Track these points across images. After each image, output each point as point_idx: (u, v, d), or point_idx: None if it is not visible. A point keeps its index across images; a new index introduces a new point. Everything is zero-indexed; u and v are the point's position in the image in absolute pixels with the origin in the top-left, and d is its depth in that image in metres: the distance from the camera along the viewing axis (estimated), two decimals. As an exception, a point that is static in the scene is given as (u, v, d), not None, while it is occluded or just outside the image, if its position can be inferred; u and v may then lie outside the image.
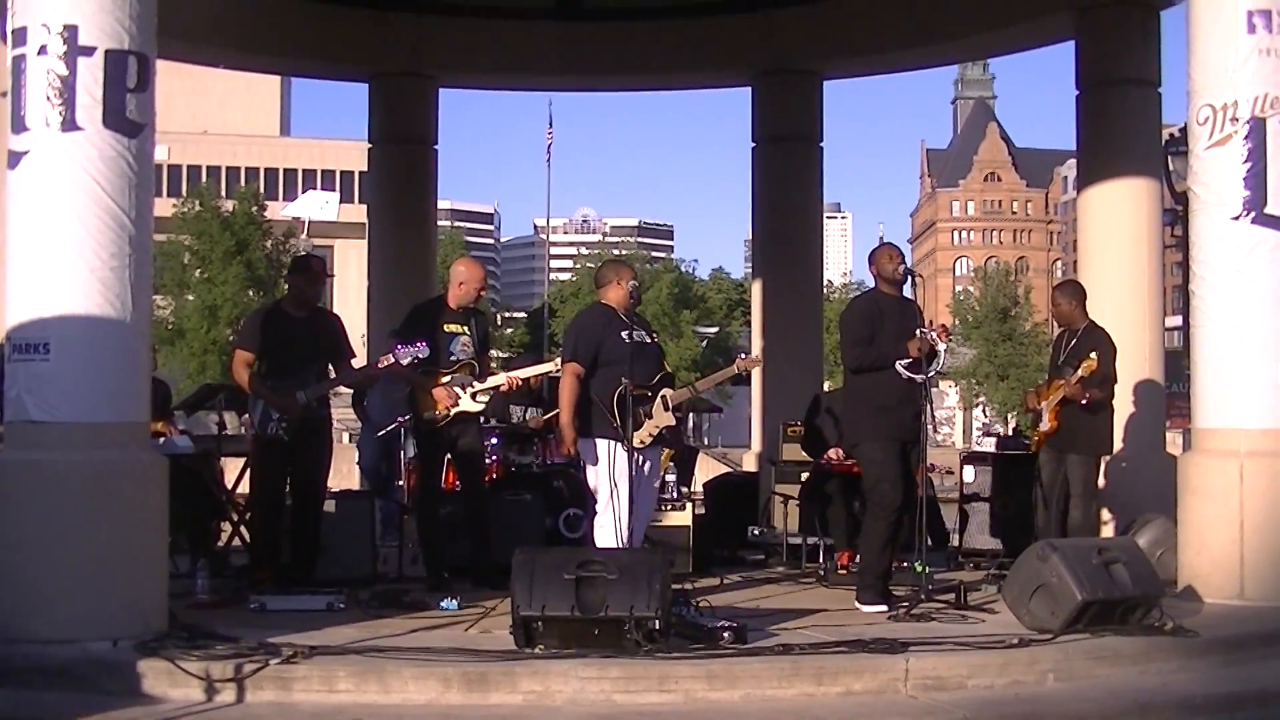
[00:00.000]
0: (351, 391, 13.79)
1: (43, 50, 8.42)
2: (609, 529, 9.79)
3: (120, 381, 8.52)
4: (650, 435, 9.95)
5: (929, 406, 10.48)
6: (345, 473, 15.27)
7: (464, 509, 11.33)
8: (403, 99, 17.65)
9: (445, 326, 11.15)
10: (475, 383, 11.04)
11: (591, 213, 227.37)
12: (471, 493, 11.42)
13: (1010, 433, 18.18)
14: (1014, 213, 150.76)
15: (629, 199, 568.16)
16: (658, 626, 8.08)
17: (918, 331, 10.35)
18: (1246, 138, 10.36)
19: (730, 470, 18.59)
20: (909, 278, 11.05)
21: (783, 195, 17.51)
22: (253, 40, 16.70)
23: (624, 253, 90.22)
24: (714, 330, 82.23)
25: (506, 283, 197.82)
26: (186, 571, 10.87)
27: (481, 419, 11.58)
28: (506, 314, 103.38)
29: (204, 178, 77.66)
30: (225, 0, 15.85)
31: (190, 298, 65.99)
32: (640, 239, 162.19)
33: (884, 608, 10.07)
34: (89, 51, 8.42)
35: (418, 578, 11.27)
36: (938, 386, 11.85)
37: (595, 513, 10.01)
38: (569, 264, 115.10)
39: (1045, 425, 11.62)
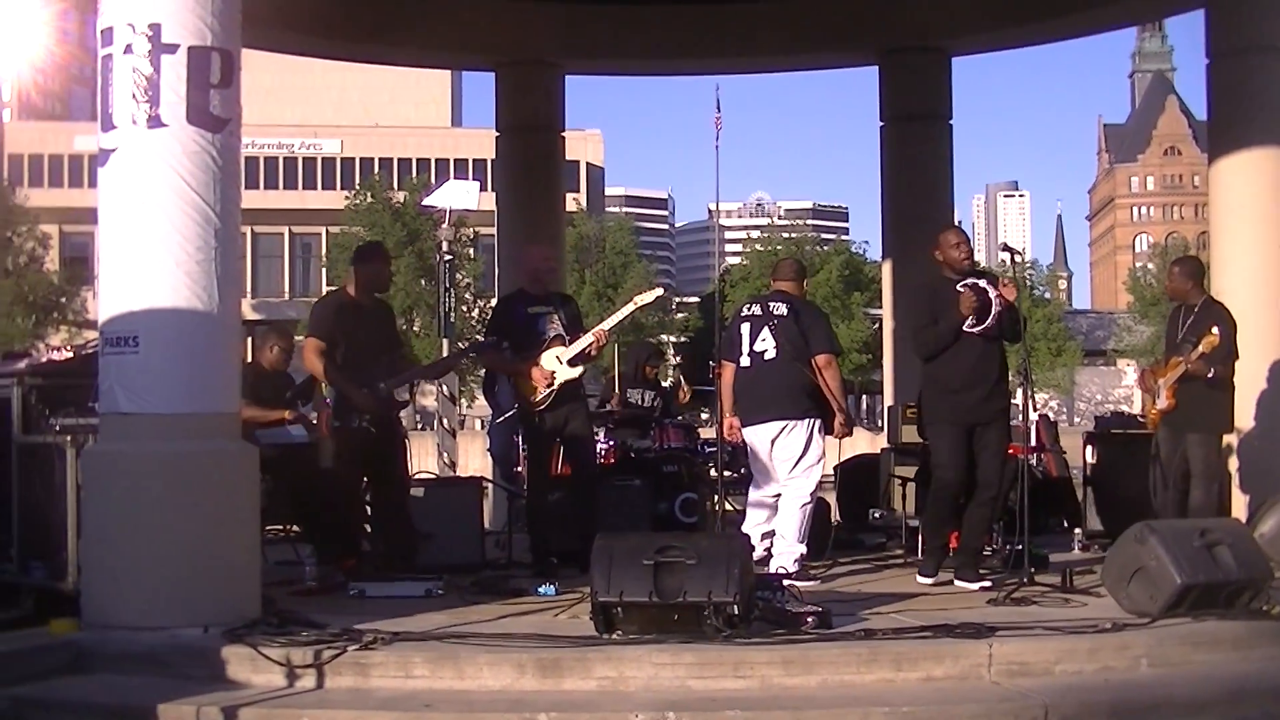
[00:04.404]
0: (483, 379, 13.90)
1: (128, 49, 8.58)
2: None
3: (207, 373, 8.65)
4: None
5: (1026, 377, 10.46)
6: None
7: (571, 494, 11.36)
8: (529, 87, 17.73)
9: (529, 309, 11.24)
10: (565, 349, 11.05)
11: (766, 196, 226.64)
12: (579, 477, 11.45)
13: (1114, 412, 17.80)
14: (1195, 187, 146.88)
15: (804, 181, 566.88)
16: (736, 612, 8.02)
17: (959, 288, 10.31)
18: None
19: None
20: (1010, 254, 10.99)
21: (912, 175, 17.29)
22: (380, 33, 16.86)
23: (795, 235, 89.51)
24: (883, 311, 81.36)
25: (681, 268, 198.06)
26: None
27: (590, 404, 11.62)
28: (679, 299, 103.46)
29: (376, 170, 78.74)
30: (349, -5, 16.04)
31: (363, 288, 66.95)
32: (815, 221, 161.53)
33: (939, 579, 10.35)
34: (172, 49, 8.56)
35: (528, 564, 11.32)
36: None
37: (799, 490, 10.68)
38: (741, 248, 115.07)
39: (1163, 403, 11.31)
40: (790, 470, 10.71)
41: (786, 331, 10.76)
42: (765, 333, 10.82)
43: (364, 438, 10.58)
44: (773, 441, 10.76)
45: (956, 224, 11.06)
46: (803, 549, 10.70)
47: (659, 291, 10.94)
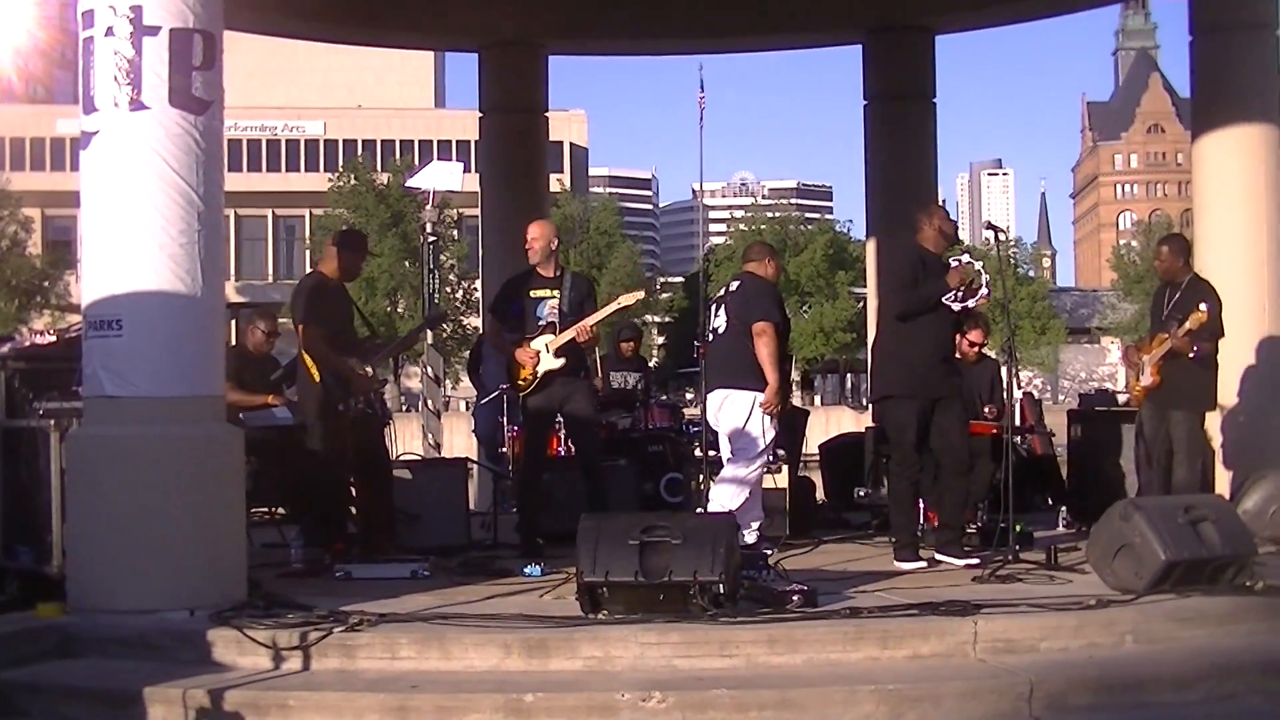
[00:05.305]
0: (468, 360, 13.91)
1: (109, 32, 8.55)
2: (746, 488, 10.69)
3: (192, 356, 8.63)
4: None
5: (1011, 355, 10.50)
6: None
7: (581, 475, 11.37)
8: (512, 68, 17.70)
9: (532, 293, 11.17)
10: (555, 339, 11.00)
11: (750, 176, 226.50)
12: (582, 458, 11.49)
13: (1098, 389, 17.84)
14: (1179, 164, 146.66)
15: (788, 161, 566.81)
16: (723, 591, 8.03)
17: (951, 261, 10.40)
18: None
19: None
20: (994, 232, 11.05)
21: (896, 154, 17.27)
22: (363, 14, 16.81)
23: (779, 214, 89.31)
24: (867, 290, 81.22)
25: (666, 248, 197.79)
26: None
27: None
28: (664, 279, 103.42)
29: (359, 152, 78.60)
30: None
31: (347, 270, 66.79)
32: (799, 200, 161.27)
33: (921, 564, 10.19)
34: (154, 31, 8.53)
35: (515, 544, 11.31)
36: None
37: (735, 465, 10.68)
38: (725, 228, 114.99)
39: (1147, 380, 11.32)
40: (731, 446, 10.81)
41: (736, 305, 10.95)
42: (721, 310, 11.05)
43: (360, 419, 10.59)
44: (717, 413, 10.89)
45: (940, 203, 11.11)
46: None
47: (641, 294, 10.90)
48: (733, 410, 10.80)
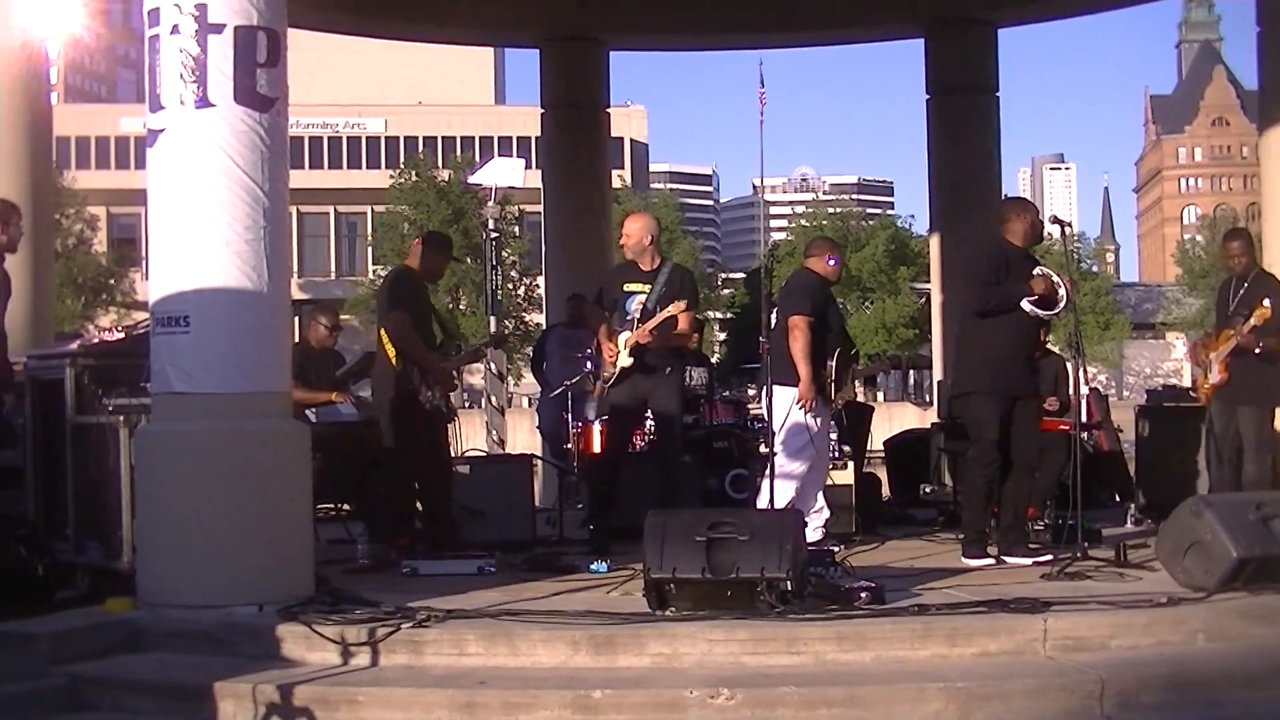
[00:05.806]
0: (532, 356, 13.93)
1: (175, 30, 8.57)
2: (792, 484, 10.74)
3: (258, 352, 8.66)
4: None
5: (1078, 351, 10.35)
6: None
7: (655, 470, 11.34)
8: (573, 64, 17.77)
9: (625, 286, 11.16)
10: (630, 336, 10.97)
11: (810, 171, 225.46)
12: (658, 454, 11.48)
13: (1165, 385, 17.71)
14: (1243, 158, 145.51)
15: (849, 156, 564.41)
16: (790, 588, 7.99)
17: (1037, 270, 10.26)
18: None
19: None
20: (1060, 226, 10.91)
21: (959, 148, 17.22)
22: (425, 10, 16.85)
23: (840, 210, 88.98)
24: (930, 286, 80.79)
25: (727, 244, 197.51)
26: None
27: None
28: (725, 275, 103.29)
29: (420, 148, 78.82)
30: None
31: (409, 267, 66.92)
32: (859, 196, 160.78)
33: (989, 561, 10.13)
34: (219, 29, 8.55)
35: (580, 541, 11.31)
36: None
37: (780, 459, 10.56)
38: (786, 224, 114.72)
39: (1215, 377, 11.24)
40: (779, 440, 10.87)
41: (780, 301, 11.25)
42: (777, 306, 11.29)
43: (432, 413, 10.67)
44: (769, 408, 11.03)
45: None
46: None
47: (683, 304, 10.86)
48: (776, 405, 10.92)
